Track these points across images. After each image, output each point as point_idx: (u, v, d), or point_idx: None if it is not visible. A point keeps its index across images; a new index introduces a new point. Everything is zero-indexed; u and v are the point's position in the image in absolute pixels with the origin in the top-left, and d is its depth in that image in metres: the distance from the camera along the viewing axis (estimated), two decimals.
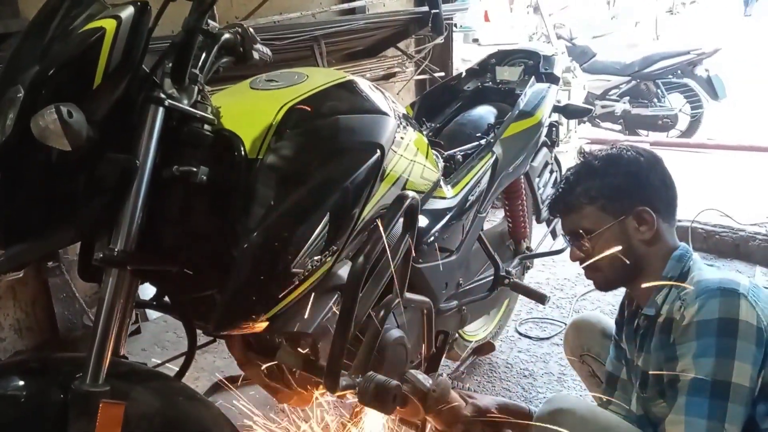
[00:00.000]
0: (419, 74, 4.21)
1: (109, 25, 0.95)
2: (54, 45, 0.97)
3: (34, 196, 0.98)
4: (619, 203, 1.46)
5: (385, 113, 1.40)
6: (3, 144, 0.94)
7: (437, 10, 3.62)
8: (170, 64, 1.10)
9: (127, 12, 0.98)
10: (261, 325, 1.20)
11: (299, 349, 1.38)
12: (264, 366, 1.45)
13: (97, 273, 1.11)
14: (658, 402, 1.42)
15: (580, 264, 1.54)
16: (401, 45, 4.08)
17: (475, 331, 2.53)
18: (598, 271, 1.51)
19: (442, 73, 4.36)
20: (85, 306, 2.64)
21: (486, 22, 7.56)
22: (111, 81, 0.97)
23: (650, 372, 1.43)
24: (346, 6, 3.82)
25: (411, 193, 1.38)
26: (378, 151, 1.31)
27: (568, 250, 1.58)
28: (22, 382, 1.04)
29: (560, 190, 1.56)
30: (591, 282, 1.56)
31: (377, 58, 3.99)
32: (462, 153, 2.03)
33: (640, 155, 1.49)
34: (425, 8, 3.76)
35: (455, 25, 4.67)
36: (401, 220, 1.39)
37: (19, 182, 0.97)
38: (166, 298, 1.36)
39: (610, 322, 1.76)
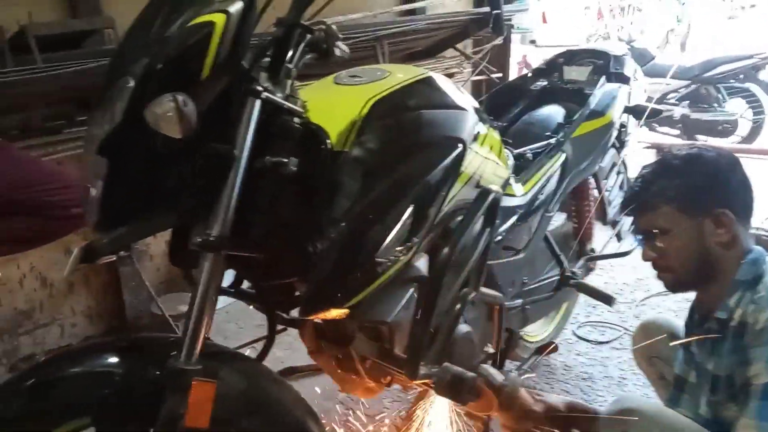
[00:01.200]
0: (476, 75, 4.21)
1: (218, 19, 0.98)
2: (163, 38, 1.00)
3: (138, 182, 1.02)
4: (697, 204, 1.43)
5: (464, 109, 1.42)
6: (112, 131, 0.99)
7: (498, 11, 3.61)
8: (266, 59, 1.14)
9: (236, 6, 1.01)
10: (342, 313, 1.24)
11: (375, 339, 1.41)
12: (335, 354, 1.48)
13: (187, 258, 1.15)
14: (729, 406, 1.40)
15: (652, 264, 1.53)
16: (459, 46, 4.09)
17: (535, 332, 2.53)
18: (670, 271, 1.49)
19: (500, 74, 4.35)
20: (154, 294, 2.73)
21: (543, 23, 7.50)
22: (217, 73, 1.00)
23: (722, 375, 1.42)
24: (406, 7, 3.85)
25: (494, 188, 1.40)
26: (460, 145, 1.33)
27: (637, 251, 1.56)
28: (117, 360, 1.10)
29: (636, 188, 1.54)
30: (650, 288, 1.54)
31: (436, 59, 4.00)
32: (532, 152, 2.03)
33: (720, 156, 1.47)
34: (486, 9, 3.77)
35: (513, 26, 4.65)
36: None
37: (124, 168, 1.01)
38: (243, 286, 1.40)
39: (678, 325, 1.73)
